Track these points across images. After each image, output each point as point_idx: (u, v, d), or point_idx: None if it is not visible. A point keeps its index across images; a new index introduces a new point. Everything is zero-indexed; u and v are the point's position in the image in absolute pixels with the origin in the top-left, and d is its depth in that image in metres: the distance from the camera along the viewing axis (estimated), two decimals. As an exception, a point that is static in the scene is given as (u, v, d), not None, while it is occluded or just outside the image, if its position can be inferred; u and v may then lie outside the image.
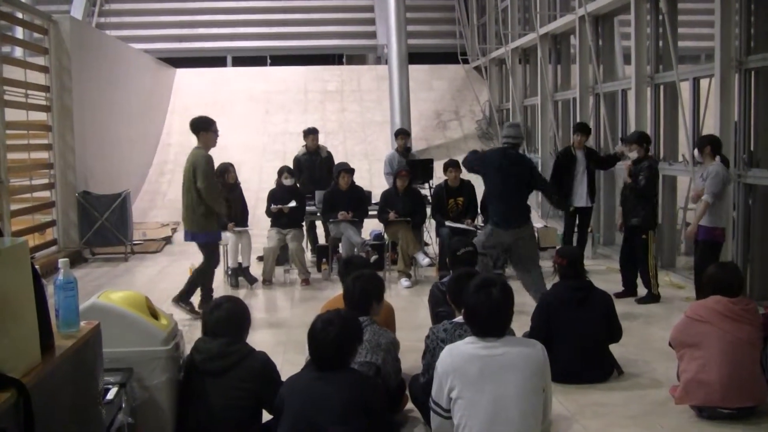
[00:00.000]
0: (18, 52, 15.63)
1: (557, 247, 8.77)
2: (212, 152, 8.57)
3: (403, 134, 12.57)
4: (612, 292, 8.65)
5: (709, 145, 8.08)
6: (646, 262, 8.88)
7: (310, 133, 12.05)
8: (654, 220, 9.00)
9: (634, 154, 9.01)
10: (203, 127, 8.54)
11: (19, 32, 15.87)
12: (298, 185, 11.10)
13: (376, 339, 4.93)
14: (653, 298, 8.89)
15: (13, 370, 2.47)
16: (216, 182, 8.65)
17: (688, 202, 9.83)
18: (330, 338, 4.14)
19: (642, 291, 9.04)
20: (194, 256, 10.35)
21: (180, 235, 8.66)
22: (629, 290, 9.14)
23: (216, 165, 10.50)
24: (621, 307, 7.58)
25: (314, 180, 11.55)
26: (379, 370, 4.89)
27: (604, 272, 10.69)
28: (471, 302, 4.06)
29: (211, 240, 8.63)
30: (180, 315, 8.20)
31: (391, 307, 6.02)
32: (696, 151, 8.25)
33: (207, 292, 8.66)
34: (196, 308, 8.49)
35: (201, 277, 8.63)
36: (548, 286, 6.77)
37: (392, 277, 10.58)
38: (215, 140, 8.64)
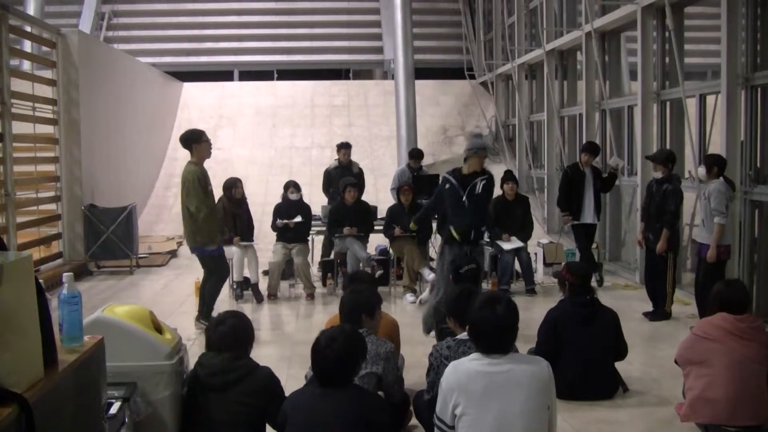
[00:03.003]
0: (26, 66, 15.70)
1: (564, 263, 8.69)
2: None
3: (415, 158, 12.53)
4: (625, 307, 8.70)
5: (716, 166, 8.08)
6: (665, 279, 8.85)
7: (343, 147, 12.21)
8: (676, 241, 8.95)
9: (658, 174, 8.91)
10: (195, 139, 8.39)
11: (28, 45, 15.92)
12: (306, 197, 11.07)
13: (375, 349, 4.93)
14: (664, 315, 8.87)
15: (16, 385, 2.46)
16: (209, 199, 8.43)
17: (694, 218, 9.78)
18: (333, 355, 4.12)
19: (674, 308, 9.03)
20: (199, 271, 10.35)
21: (185, 248, 8.62)
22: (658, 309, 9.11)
23: (223, 180, 10.58)
24: (629, 323, 7.57)
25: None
26: (380, 380, 4.88)
27: (610, 288, 10.68)
28: (476, 319, 4.05)
29: (211, 254, 8.48)
30: (185, 330, 8.18)
31: (395, 323, 6.01)
32: (702, 170, 8.21)
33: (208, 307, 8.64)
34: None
35: (213, 291, 8.55)
36: (555, 302, 6.74)
37: (397, 292, 10.56)
38: (209, 150, 8.53)
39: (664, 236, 8.70)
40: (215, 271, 8.57)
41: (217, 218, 8.58)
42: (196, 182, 8.22)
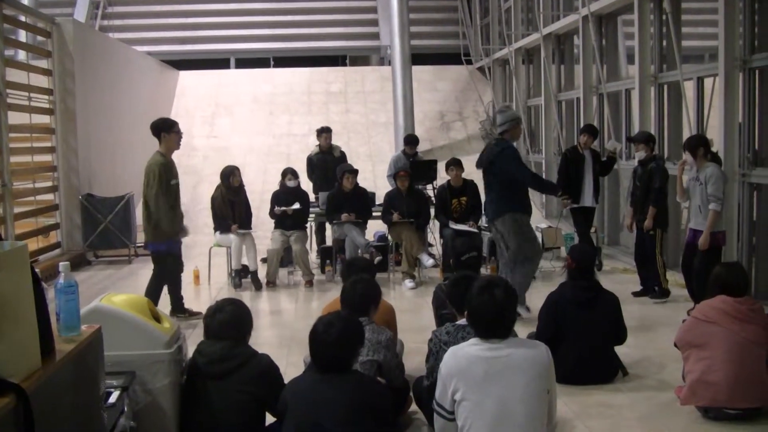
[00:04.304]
0: (21, 55, 15.67)
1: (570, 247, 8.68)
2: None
3: (411, 144, 12.47)
4: (624, 291, 8.71)
5: (702, 147, 7.91)
6: (654, 258, 8.90)
7: (324, 132, 12.09)
8: (665, 218, 8.97)
9: (641, 154, 9.00)
10: (165, 129, 8.13)
11: (22, 35, 15.87)
12: (304, 184, 11.05)
13: (376, 337, 4.95)
14: (664, 293, 8.93)
15: (13, 375, 2.45)
16: (164, 195, 8.05)
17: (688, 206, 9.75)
18: (331, 340, 4.12)
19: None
20: (197, 259, 10.36)
21: (184, 238, 8.61)
22: (647, 289, 9.17)
23: (220, 168, 10.55)
24: (629, 307, 7.57)
25: (327, 179, 11.49)
26: (381, 368, 4.89)
27: (609, 272, 10.69)
28: (474, 304, 4.04)
29: (158, 249, 8.24)
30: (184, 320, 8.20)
31: (392, 308, 6.00)
32: (688, 158, 8.00)
33: (177, 300, 8.52)
34: (193, 310, 8.45)
35: (153, 288, 8.19)
36: (554, 286, 6.73)
37: (396, 278, 10.55)
38: (178, 142, 8.26)
39: (651, 213, 8.78)
40: (158, 268, 8.32)
41: (177, 214, 8.25)
42: (158, 175, 7.97)
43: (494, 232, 8.28)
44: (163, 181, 8.03)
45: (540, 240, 11.12)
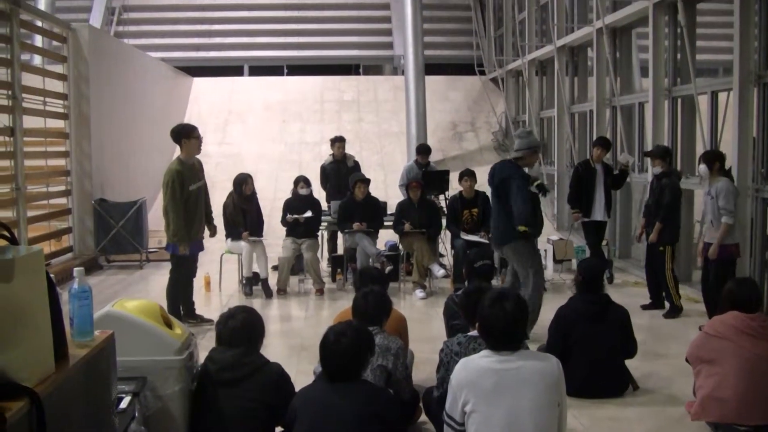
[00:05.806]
0: (37, 60, 15.72)
1: (579, 261, 8.69)
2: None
3: (423, 153, 12.31)
4: (635, 305, 8.70)
5: (717, 161, 8.13)
6: (663, 274, 8.86)
7: (337, 141, 12.10)
8: (675, 234, 8.95)
9: (657, 169, 8.97)
10: (185, 134, 8.31)
11: (38, 40, 15.94)
12: (316, 192, 11.07)
13: (386, 344, 4.94)
14: (676, 310, 8.87)
15: (27, 379, 2.46)
16: (190, 198, 8.26)
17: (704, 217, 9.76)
18: (342, 349, 4.12)
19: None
20: (208, 265, 10.38)
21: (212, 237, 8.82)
22: (656, 302, 9.14)
23: (233, 175, 10.58)
24: (639, 320, 7.54)
25: (340, 188, 11.50)
26: (390, 375, 4.88)
27: (620, 285, 10.65)
28: (485, 315, 4.04)
29: (174, 252, 8.35)
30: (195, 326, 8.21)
31: (404, 318, 6.00)
32: (703, 168, 8.18)
33: (189, 305, 8.67)
34: (204, 317, 8.53)
35: (173, 290, 8.45)
36: (564, 299, 6.72)
37: (407, 288, 10.55)
38: (199, 147, 8.44)
39: (656, 228, 8.80)
40: (174, 271, 8.48)
41: (193, 219, 8.37)
42: (173, 183, 8.09)
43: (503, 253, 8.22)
44: (176, 188, 8.11)
45: (548, 261, 11.15)
